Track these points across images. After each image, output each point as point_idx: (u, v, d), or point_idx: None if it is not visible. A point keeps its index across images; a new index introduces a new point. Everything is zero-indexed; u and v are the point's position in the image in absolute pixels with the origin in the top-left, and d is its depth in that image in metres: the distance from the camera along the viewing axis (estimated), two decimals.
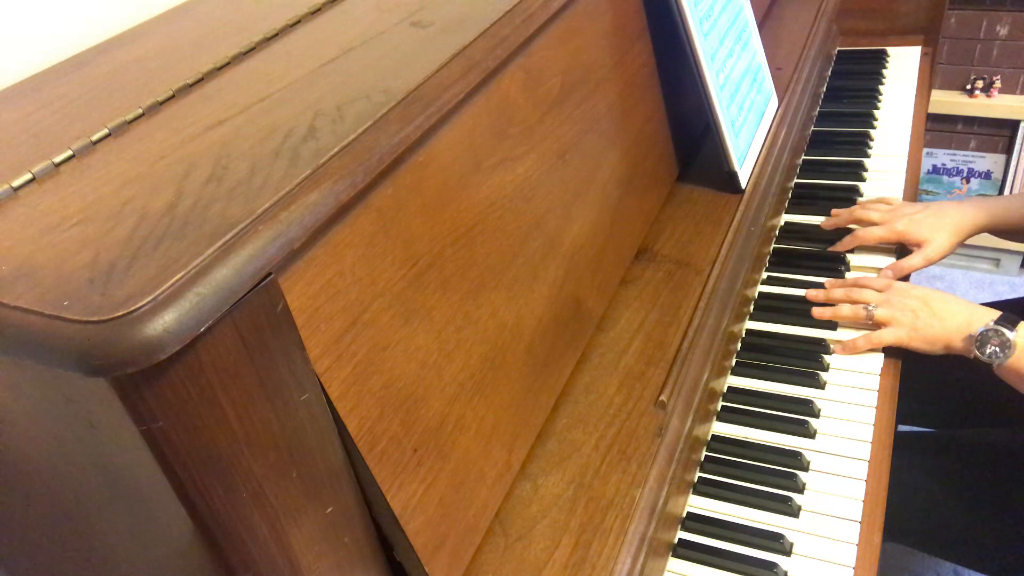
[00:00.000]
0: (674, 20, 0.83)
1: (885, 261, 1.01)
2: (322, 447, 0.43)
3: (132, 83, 0.57)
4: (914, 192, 1.15)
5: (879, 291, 0.91)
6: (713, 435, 0.84)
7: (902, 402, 0.86)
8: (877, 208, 1.04)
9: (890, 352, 0.90)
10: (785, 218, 1.12)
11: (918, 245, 0.98)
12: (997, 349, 0.80)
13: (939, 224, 0.98)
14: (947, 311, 0.86)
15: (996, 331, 0.80)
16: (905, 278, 0.98)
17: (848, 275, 1.00)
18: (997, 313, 0.82)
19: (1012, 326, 0.80)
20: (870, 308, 0.90)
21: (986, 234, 1.02)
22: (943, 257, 0.98)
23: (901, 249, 1.02)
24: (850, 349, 0.90)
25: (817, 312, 0.94)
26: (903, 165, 1.20)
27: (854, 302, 0.92)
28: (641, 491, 0.62)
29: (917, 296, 0.88)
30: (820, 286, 0.99)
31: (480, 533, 0.57)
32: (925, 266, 0.98)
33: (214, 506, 0.38)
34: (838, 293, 0.94)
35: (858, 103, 1.34)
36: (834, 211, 1.08)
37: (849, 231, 1.04)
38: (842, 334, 0.93)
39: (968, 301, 0.86)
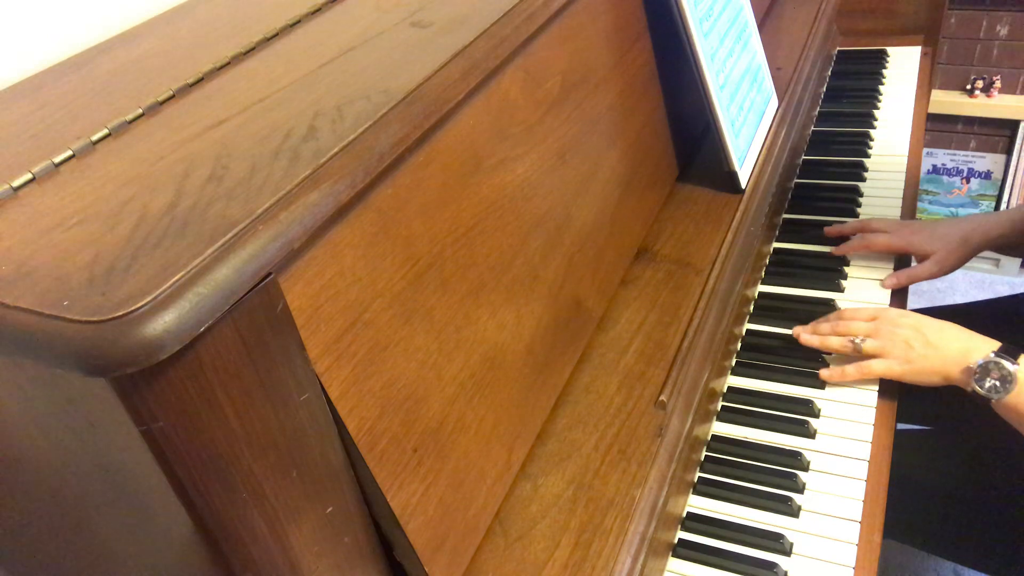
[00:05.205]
0: (674, 20, 0.83)
1: (884, 270, 1.00)
2: (322, 447, 0.43)
3: (132, 83, 0.57)
4: (914, 192, 1.15)
5: (867, 321, 0.86)
6: (713, 435, 0.84)
7: (902, 402, 0.86)
8: (883, 219, 1.02)
9: None
10: (785, 218, 1.12)
11: (927, 256, 0.96)
12: (997, 383, 0.75)
13: (950, 235, 0.96)
14: (942, 340, 0.81)
15: (996, 363, 0.75)
16: (904, 291, 0.97)
17: (848, 277, 1.00)
18: (996, 344, 0.78)
19: (1013, 358, 0.75)
20: (856, 341, 0.85)
21: None
22: (953, 269, 0.95)
23: (898, 262, 1.01)
24: (839, 376, 0.86)
25: (805, 339, 0.89)
26: (903, 165, 1.20)
27: (841, 335, 0.86)
28: (641, 491, 0.62)
29: (910, 325, 0.83)
30: (818, 287, 0.99)
31: (480, 533, 0.57)
32: (936, 276, 0.95)
33: (214, 506, 0.38)
34: (825, 328, 0.88)
35: (858, 103, 1.34)
36: (836, 228, 1.06)
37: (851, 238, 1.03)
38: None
39: (964, 329, 0.81)
